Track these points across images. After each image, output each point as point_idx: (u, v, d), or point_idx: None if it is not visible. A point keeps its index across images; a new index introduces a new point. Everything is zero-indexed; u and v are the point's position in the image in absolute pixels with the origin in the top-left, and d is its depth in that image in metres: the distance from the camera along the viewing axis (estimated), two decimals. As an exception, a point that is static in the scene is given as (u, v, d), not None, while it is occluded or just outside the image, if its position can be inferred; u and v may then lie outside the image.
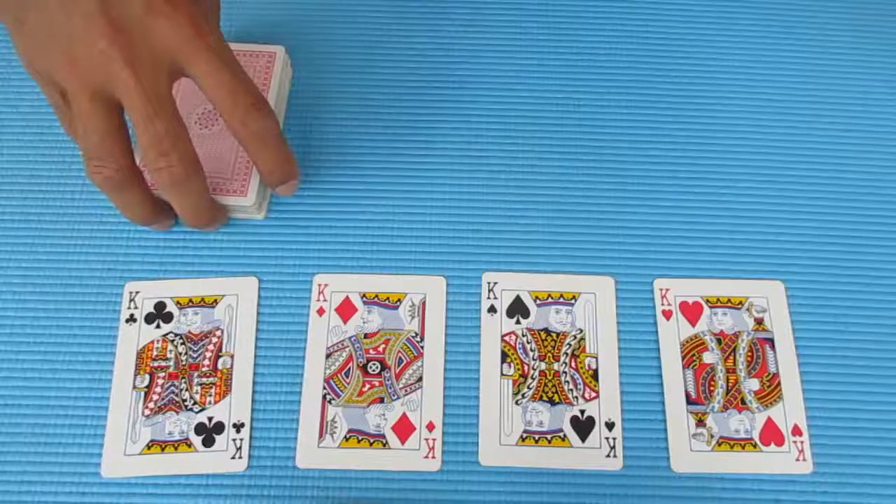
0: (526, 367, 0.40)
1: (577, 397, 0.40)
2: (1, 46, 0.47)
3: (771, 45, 0.48)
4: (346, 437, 0.39)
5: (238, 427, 0.39)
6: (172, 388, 0.40)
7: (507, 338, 0.41)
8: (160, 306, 0.41)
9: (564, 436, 0.39)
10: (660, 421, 0.39)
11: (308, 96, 0.46)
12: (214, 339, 0.40)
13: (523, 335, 0.41)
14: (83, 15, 0.32)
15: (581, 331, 0.41)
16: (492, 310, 0.41)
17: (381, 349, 0.40)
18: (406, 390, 0.40)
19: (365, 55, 0.47)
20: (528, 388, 0.40)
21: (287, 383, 0.40)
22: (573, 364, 0.40)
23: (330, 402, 0.39)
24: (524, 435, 0.39)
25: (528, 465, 0.39)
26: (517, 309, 0.41)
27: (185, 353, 0.40)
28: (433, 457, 0.39)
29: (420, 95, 0.46)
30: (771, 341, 0.41)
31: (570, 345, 0.41)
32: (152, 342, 0.40)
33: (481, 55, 0.47)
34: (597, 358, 0.40)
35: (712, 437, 0.39)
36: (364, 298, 0.41)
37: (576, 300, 0.41)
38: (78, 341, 0.40)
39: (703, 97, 0.46)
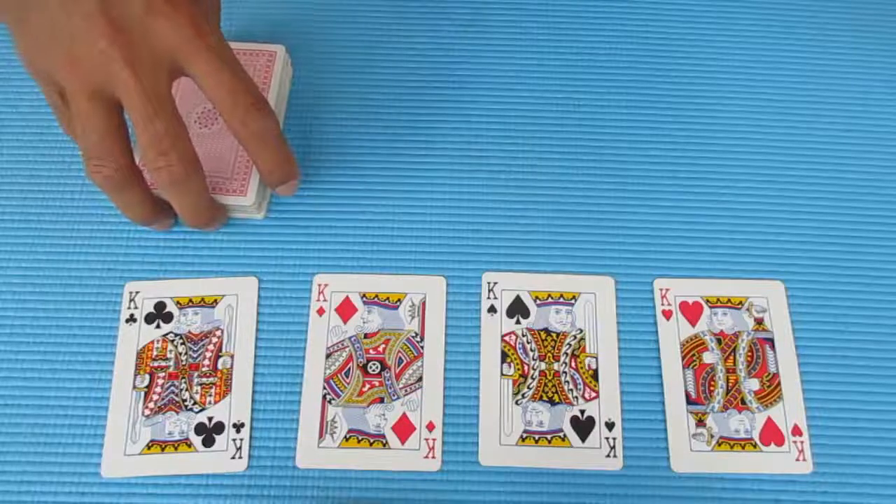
0: (526, 367, 0.40)
1: (577, 397, 0.40)
2: (1, 46, 0.47)
3: (771, 45, 0.48)
4: (346, 437, 0.39)
5: (238, 427, 0.39)
6: (172, 388, 0.40)
7: (507, 338, 0.41)
8: (160, 306, 0.41)
9: (564, 436, 0.39)
10: (660, 421, 0.39)
11: (308, 96, 0.46)
12: (214, 339, 0.40)
13: (523, 335, 0.41)
14: (83, 15, 0.33)
15: (581, 331, 0.41)
16: (492, 310, 0.41)
17: (381, 349, 0.40)
18: (406, 390, 0.40)
19: (365, 55, 0.47)
20: (528, 388, 0.40)
21: (287, 383, 0.40)
22: (573, 364, 0.40)
23: (330, 402, 0.39)
24: (524, 435, 0.39)
25: (528, 465, 0.39)
26: (517, 309, 0.41)
27: (185, 353, 0.40)
28: (433, 457, 0.39)
29: (420, 95, 0.46)
30: (771, 341, 0.41)
31: (570, 345, 0.41)
32: (152, 342, 0.40)
33: (481, 55, 0.47)
34: (597, 358, 0.40)
35: (712, 437, 0.39)
36: (364, 298, 0.41)
37: (576, 300, 0.41)
38: (78, 341, 0.40)
39: (703, 97, 0.46)
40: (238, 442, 0.39)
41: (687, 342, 0.41)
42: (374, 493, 0.38)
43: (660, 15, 0.49)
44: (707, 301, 0.42)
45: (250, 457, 0.38)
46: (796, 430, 0.39)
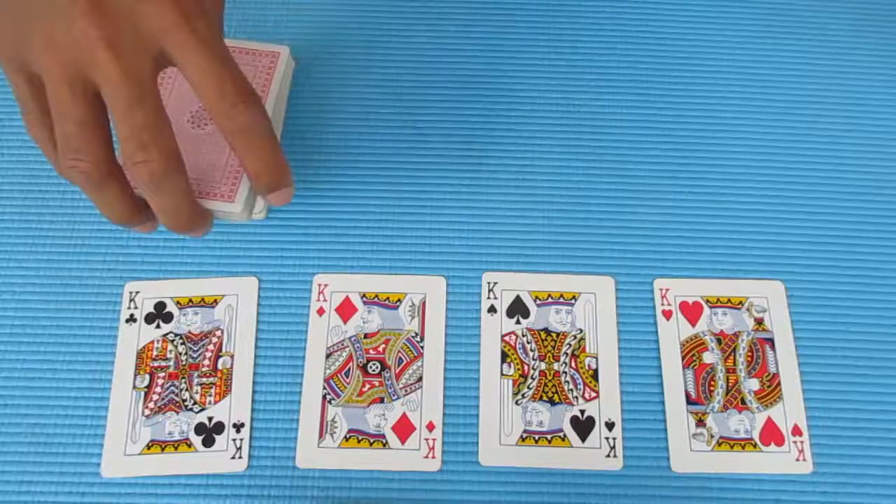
0: (526, 367, 0.40)
1: (577, 397, 0.40)
2: (1, 46, 0.47)
3: (771, 45, 0.48)
4: (346, 437, 0.39)
5: (238, 427, 0.39)
6: (172, 388, 0.40)
7: (507, 338, 0.41)
8: (160, 306, 0.41)
9: (564, 436, 0.39)
10: (660, 421, 0.39)
11: (308, 96, 0.46)
12: (214, 339, 0.40)
13: (523, 335, 0.41)
14: None
15: (581, 331, 0.41)
16: (492, 310, 0.41)
17: (381, 349, 0.40)
18: (406, 390, 0.40)
19: (365, 55, 0.47)
20: (528, 388, 0.40)
21: (287, 383, 0.40)
22: (573, 364, 0.40)
23: (330, 402, 0.39)
24: (524, 435, 0.39)
25: (528, 465, 0.39)
26: (517, 309, 0.41)
27: (185, 353, 0.40)
28: (433, 457, 0.39)
29: (420, 95, 0.46)
30: (771, 341, 0.41)
31: (570, 345, 0.41)
32: (152, 342, 0.40)
33: (481, 55, 0.47)
34: (597, 358, 0.40)
35: (712, 437, 0.39)
36: (364, 298, 0.41)
37: (576, 300, 0.41)
38: (78, 341, 0.41)
39: (702, 97, 0.46)
40: (238, 442, 0.39)
41: (687, 342, 0.41)
42: (374, 493, 0.38)
43: (660, 15, 0.49)
44: (707, 301, 0.42)
45: (250, 457, 0.38)
46: (796, 430, 0.39)
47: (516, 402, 0.40)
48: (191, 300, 0.41)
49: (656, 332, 0.41)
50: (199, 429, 0.39)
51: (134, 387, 0.40)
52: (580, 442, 0.39)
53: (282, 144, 0.37)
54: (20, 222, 0.43)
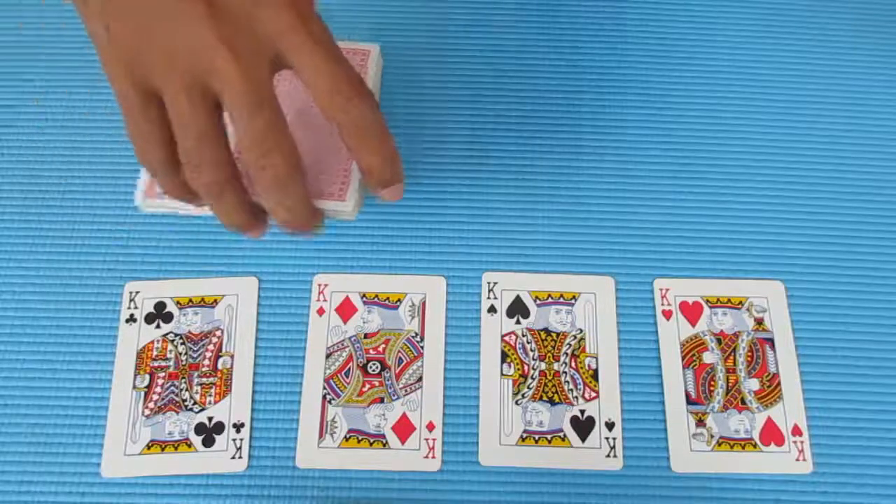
0: (526, 367, 0.40)
1: (577, 397, 0.40)
2: (1, 48, 0.47)
3: (771, 45, 0.48)
4: (346, 437, 0.39)
5: (238, 427, 0.39)
6: (172, 388, 0.40)
7: (507, 338, 0.41)
8: (160, 306, 0.41)
9: (564, 436, 0.39)
10: (660, 421, 0.39)
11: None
12: (214, 339, 0.40)
13: (523, 335, 0.41)
14: (183, 1, 0.30)
15: (581, 331, 0.41)
16: (492, 310, 0.41)
17: (381, 349, 0.40)
18: (406, 390, 0.40)
19: (365, 55, 0.47)
20: (528, 388, 0.40)
21: (287, 383, 0.40)
22: (573, 364, 0.40)
23: (330, 402, 0.39)
24: (524, 435, 0.39)
25: (528, 465, 0.39)
26: (517, 309, 0.41)
27: (185, 353, 0.40)
28: (433, 457, 0.39)
29: (420, 95, 0.46)
30: (771, 341, 0.41)
31: (570, 345, 0.41)
32: (152, 342, 0.40)
33: (481, 55, 0.47)
34: (597, 358, 0.40)
35: (712, 437, 0.39)
36: (364, 298, 0.41)
37: (576, 300, 0.41)
38: (78, 341, 0.41)
39: (703, 97, 0.46)
40: (238, 442, 0.39)
41: (687, 342, 0.41)
42: (374, 493, 0.38)
43: (660, 15, 0.49)
44: (707, 301, 0.42)
45: (250, 457, 0.38)
46: (796, 430, 0.39)
47: (516, 402, 0.40)
48: (191, 300, 0.41)
49: (656, 332, 0.41)
50: (199, 429, 0.39)
51: (134, 387, 0.40)
52: (580, 442, 0.39)
53: None
54: (20, 222, 0.43)
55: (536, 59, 0.47)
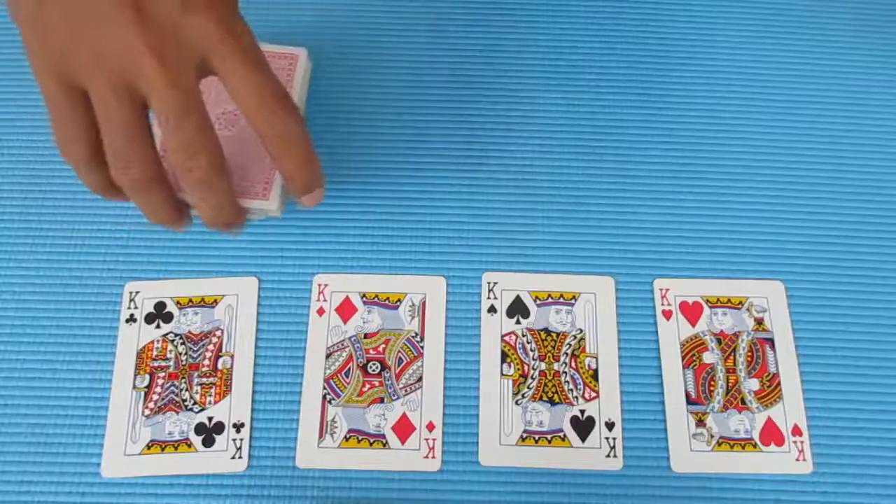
0: (526, 367, 0.40)
1: (577, 397, 0.40)
2: (2, 48, 0.47)
3: (771, 45, 0.48)
4: (346, 437, 0.39)
5: (238, 427, 0.39)
6: (172, 388, 0.40)
7: (507, 338, 0.41)
8: (160, 306, 0.41)
9: (564, 436, 0.39)
10: (660, 421, 0.39)
11: (307, 97, 0.46)
12: (214, 339, 0.40)
13: (523, 335, 0.41)
14: (112, 4, 0.31)
15: (581, 331, 0.41)
16: (492, 310, 0.41)
17: (381, 349, 0.40)
18: (406, 390, 0.40)
19: (364, 56, 0.47)
20: (528, 388, 0.40)
21: (287, 383, 0.40)
22: (573, 364, 0.40)
23: (330, 402, 0.39)
24: (524, 435, 0.39)
25: (528, 465, 0.39)
26: (517, 309, 0.41)
27: (185, 353, 0.40)
28: (433, 457, 0.39)
29: (420, 95, 0.46)
30: (771, 341, 0.41)
31: (570, 345, 0.41)
32: (152, 342, 0.40)
33: (482, 56, 0.47)
34: (597, 358, 0.40)
35: (712, 437, 0.39)
36: (364, 298, 0.41)
37: (576, 300, 0.42)
38: (78, 341, 0.41)
39: (702, 97, 0.46)
40: (238, 442, 0.39)
41: (687, 342, 0.41)
42: (374, 493, 0.38)
43: (660, 15, 0.49)
44: (707, 301, 0.42)
45: (250, 457, 0.38)
46: (796, 430, 0.39)
47: (516, 402, 0.40)
48: (191, 300, 0.41)
49: (656, 332, 0.41)
50: (199, 429, 0.39)
51: (134, 387, 0.40)
52: (580, 442, 0.39)
53: None
54: (20, 222, 0.43)
55: (536, 59, 0.47)
